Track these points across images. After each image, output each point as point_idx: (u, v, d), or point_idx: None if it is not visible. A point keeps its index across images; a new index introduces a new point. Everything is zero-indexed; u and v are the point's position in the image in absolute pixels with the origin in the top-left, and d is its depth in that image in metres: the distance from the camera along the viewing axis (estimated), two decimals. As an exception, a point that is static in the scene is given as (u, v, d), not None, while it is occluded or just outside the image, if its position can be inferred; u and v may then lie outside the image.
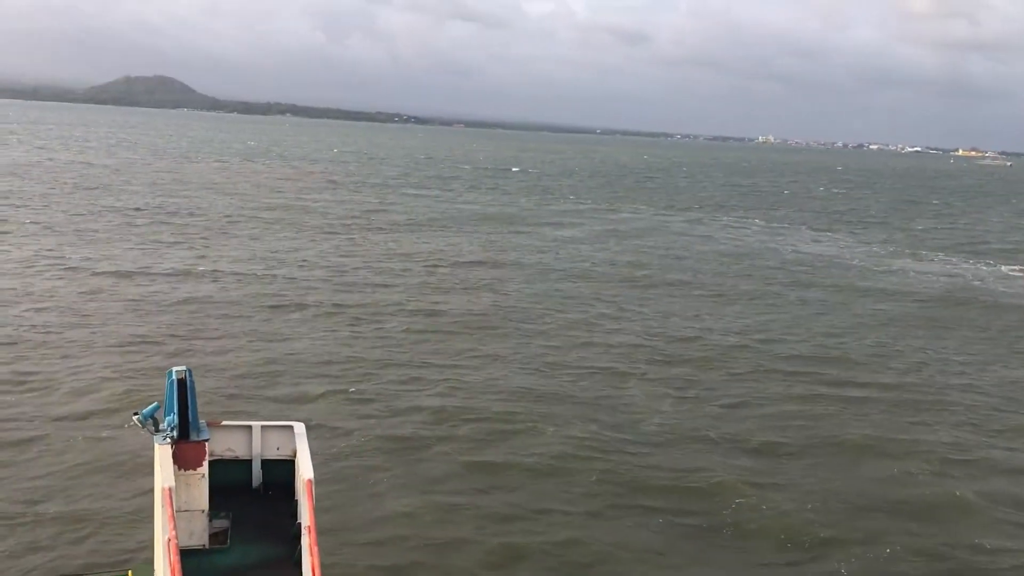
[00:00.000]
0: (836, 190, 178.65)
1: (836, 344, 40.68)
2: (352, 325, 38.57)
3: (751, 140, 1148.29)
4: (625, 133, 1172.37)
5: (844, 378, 35.16)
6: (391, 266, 53.17)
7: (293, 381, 30.54)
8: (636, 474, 24.31)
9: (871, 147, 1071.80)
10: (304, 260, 53.61)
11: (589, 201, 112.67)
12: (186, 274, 47.32)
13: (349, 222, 74.01)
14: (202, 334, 35.80)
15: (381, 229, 70.62)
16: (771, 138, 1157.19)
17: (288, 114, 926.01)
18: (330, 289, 45.63)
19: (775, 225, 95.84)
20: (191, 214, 71.88)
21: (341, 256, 56.30)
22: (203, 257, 52.71)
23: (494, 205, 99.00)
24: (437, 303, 43.68)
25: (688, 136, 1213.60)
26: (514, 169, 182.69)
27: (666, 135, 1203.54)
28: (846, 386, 34.09)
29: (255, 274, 48.33)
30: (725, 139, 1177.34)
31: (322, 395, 29.19)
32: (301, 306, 41.42)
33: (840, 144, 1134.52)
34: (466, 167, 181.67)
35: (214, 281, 45.90)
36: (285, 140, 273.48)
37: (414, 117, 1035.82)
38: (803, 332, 42.82)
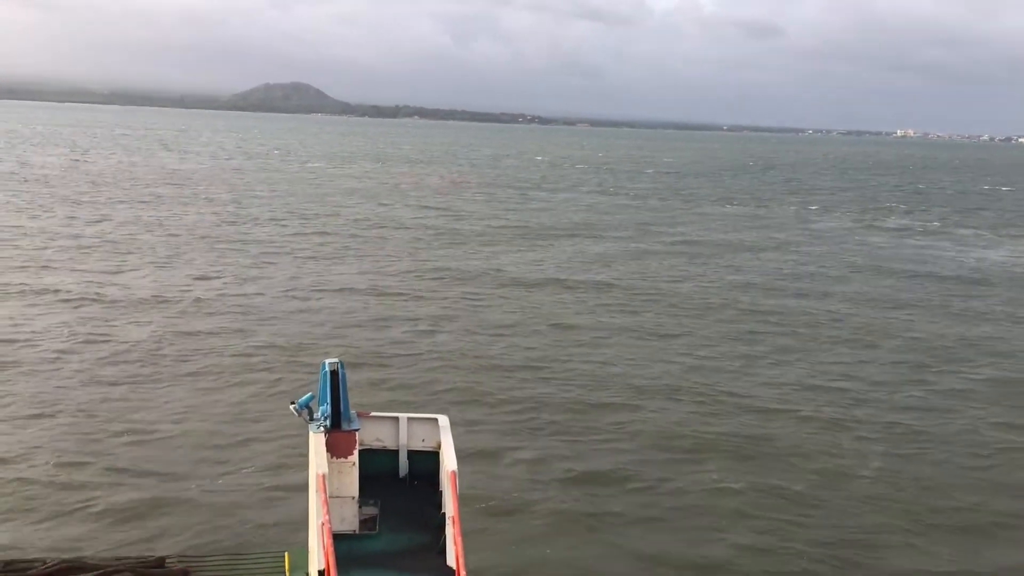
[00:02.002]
0: (1005, 188, 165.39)
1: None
2: (484, 329, 38.12)
3: (889, 134, 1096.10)
4: (755, 129, 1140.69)
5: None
6: (513, 289, 51.84)
7: (436, 378, 31.31)
8: None
9: (1020, 140, 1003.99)
10: (426, 270, 53.51)
11: (706, 203, 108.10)
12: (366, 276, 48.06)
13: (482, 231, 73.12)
14: (359, 326, 37.44)
15: (514, 236, 69.29)
16: (911, 132, 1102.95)
17: (416, 116, 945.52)
18: (468, 295, 45.26)
19: (945, 230, 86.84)
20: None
21: (483, 261, 55.67)
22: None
23: (620, 211, 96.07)
24: (583, 313, 42.66)
25: (821, 131, 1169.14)
26: (598, 169, 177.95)
27: (798, 130, 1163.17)
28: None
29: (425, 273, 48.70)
30: (861, 133, 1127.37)
31: (463, 393, 29.73)
32: (441, 311, 41.44)
33: (986, 137, 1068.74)
34: (585, 167, 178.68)
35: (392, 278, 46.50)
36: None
37: (538, 117, 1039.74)
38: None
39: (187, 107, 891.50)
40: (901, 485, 24.17)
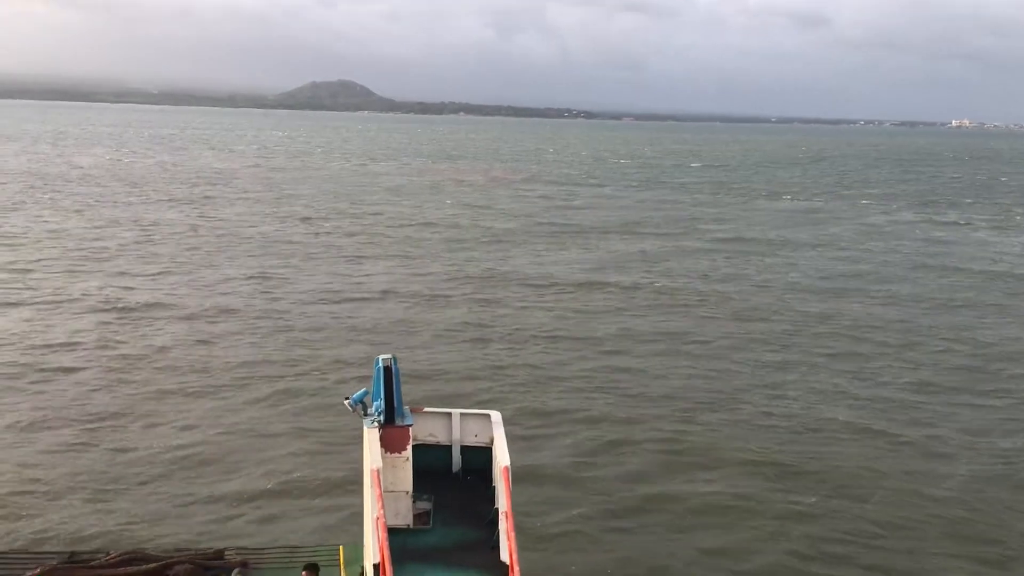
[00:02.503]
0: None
1: None
2: (529, 334, 37.13)
3: (943, 124, 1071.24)
4: (804, 120, 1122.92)
5: None
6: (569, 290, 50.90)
7: (481, 386, 30.76)
8: None
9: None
10: (477, 268, 53.17)
11: (757, 197, 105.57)
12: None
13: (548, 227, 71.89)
14: (399, 329, 37.61)
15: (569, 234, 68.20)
16: (966, 122, 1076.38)
17: (461, 113, 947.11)
18: (530, 295, 44.85)
19: (1010, 223, 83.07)
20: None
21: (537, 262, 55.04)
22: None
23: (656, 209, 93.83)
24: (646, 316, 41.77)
25: (872, 122, 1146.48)
26: (644, 164, 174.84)
27: (848, 121, 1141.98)
28: None
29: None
30: (914, 124, 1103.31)
31: (509, 402, 28.74)
32: (484, 314, 40.61)
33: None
34: (630, 161, 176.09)
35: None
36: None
37: (584, 112, 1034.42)
38: None
39: (236, 106, 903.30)
40: (983, 508, 22.31)
